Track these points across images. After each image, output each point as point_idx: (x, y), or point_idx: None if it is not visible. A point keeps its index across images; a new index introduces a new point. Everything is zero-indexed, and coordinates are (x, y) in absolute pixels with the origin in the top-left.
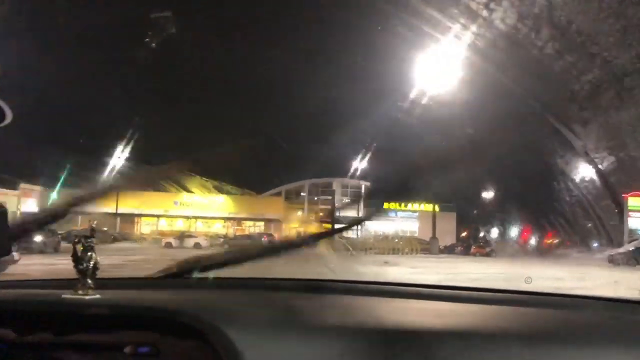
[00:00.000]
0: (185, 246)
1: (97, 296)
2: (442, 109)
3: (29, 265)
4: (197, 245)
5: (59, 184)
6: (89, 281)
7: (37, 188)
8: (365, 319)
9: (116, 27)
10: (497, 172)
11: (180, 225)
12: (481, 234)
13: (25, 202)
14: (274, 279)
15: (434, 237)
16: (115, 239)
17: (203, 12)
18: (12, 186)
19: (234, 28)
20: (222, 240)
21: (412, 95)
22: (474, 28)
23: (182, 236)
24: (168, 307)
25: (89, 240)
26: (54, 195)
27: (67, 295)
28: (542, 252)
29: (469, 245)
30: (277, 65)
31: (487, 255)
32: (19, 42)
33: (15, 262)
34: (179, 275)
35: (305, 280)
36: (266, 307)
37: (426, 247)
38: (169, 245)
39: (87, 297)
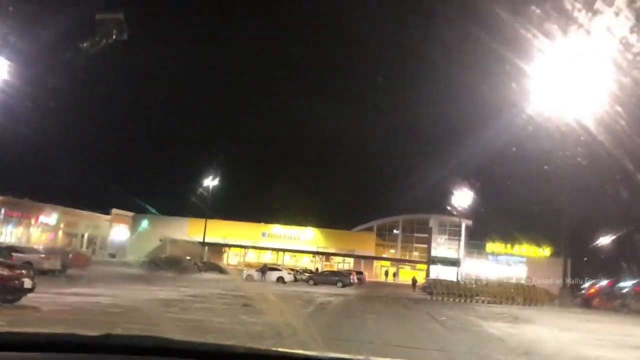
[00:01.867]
0: (268, 280)
1: None
2: (553, 147)
3: (41, 296)
4: (280, 280)
5: (149, 211)
6: None
7: (129, 214)
8: None
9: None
10: (612, 217)
11: (268, 258)
12: (607, 284)
13: (116, 227)
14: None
15: (565, 287)
16: (199, 269)
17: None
18: (106, 211)
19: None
20: (307, 275)
21: (521, 129)
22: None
23: (264, 269)
24: None
25: None
26: (144, 223)
27: None
28: None
29: (586, 296)
30: (375, 91)
31: (616, 310)
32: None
33: (28, 291)
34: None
35: None
36: None
37: (552, 297)
38: (250, 278)
39: None
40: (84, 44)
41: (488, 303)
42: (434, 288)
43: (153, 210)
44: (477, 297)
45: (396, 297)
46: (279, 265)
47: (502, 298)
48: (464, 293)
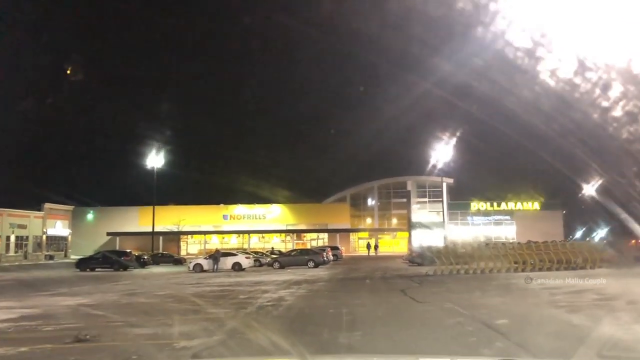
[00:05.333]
0: (222, 268)
1: None
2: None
3: None
4: (236, 266)
5: (92, 203)
6: None
7: (68, 207)
8: None
9: None
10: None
11: (234, 243)
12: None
13: (53, 223)
14: None
15: (624, 240)
16: (146, 262)
17: None
18: (36, 207)
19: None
20: (271, 257)
21: (507, 64)
22: None
23: (216, 255)
24: None
25: None
26: (88, 217)
27: None
28: None
29: None
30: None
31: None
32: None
33: None
34: None
35: None
36: None
37: (607, 256)
38: (198, 268)
39: None
40: None
41: (506, 271)
42: (436, 258)
43: (95, 202)
44: (491, 265)
45: (383, 276)
46: (236, 250)
47: (524, 263)
48: (474, 260)
